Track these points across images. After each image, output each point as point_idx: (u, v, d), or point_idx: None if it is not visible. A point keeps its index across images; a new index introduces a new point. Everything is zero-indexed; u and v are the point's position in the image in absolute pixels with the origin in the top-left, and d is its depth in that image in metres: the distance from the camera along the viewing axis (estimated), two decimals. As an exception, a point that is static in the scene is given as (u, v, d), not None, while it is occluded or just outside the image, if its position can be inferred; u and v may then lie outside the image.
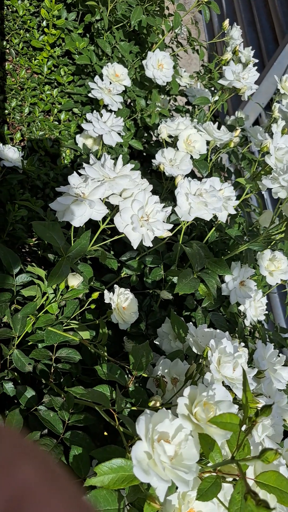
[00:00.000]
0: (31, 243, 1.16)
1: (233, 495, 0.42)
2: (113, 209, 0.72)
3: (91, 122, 0.89)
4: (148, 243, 0.69)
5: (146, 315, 0.96)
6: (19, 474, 0.19)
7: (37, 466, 0.20)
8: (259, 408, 0.40)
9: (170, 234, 0.73)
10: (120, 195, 0.70)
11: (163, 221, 0.72)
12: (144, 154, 1.38)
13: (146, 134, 1.32)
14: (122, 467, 0.46)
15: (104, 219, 0.75)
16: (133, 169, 0.72)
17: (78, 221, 0.64)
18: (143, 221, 0.68)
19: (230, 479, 0.48)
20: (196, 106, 1.35)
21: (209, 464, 0.46)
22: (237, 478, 0.43)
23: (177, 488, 0.51)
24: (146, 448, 0.45)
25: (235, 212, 0.86)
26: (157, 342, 0.86)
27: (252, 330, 1.13)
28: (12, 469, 0.19)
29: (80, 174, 0.70)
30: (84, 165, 0.67)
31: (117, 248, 1.10)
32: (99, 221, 0.75)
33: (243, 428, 0.44)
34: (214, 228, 0.92)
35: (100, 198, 0.66)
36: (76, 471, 0.65)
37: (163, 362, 0.77)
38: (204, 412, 0.48)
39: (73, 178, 0.66)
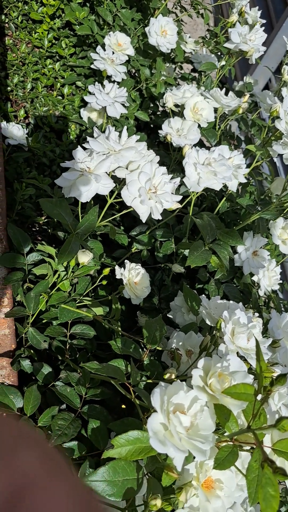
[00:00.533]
0: (40, 222, 1.16)
1: (250, 463, 0.42)
2: (120, 183, 0.71)
3: (94, 94, 0.87)
4: (157, 215, 0.67)
5: (159, 290, 0.95)
6: (20, 462, 0.19)
7: (38, 455, 0.20)
8: (274, 378, 0.39)
9: (180, 206, 0.72)
10: (127, 168, 0.69)
11: (172, 193, 0.71)
12: (151, 125, 1.35)
13: (152, 105, 1.29)
14: (139, 438, 0.47)
15: (112, 193, 0.74)
16: (139, 141, 0.70)
17: (84, 197, 0.63)
18: (151, 193, 0.67)
19: (248, 447, 0.48)
20: (202, 73, 1.30)
21: (225, 434, 0.46)
22: (254, 447, 0.43)
23: (194, 457, 0.52)
24: (162, 419, 0.45)
25: (245, 181, 0.84)
26: (170, 316, 0.85)
27: (267, 300, 1.12)
28: (13, 458, 0.19)
29: (85, 149, 0.69)
30: (88, 138, 0.66)
31: (127, 223, 1.09)
32: (107, 195, 0.73)
33: (259, 398, 0.44)
34: (224, 198, 0.90)
35: (106, 172, 0.65)
36: (95, 444, 0.66)
37: (177, 335, 0.77)
38: (219, 383, 0.48)
39: (78, 153, 0.64)
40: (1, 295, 0.86)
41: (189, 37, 1.36)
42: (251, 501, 0.40)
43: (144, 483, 0.55)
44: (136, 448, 0.46)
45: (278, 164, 1.71)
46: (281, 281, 0.97)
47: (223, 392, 0.42)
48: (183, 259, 0.91)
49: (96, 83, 0.88)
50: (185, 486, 0.49)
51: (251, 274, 0.94)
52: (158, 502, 0.46)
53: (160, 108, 1.36)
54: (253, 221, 0.90)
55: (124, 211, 0.75)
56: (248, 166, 0.91)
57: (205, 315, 0.66)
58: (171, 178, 0.71)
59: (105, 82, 0.90)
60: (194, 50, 1.34)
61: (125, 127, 0.68)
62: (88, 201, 0.64)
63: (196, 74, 1.34)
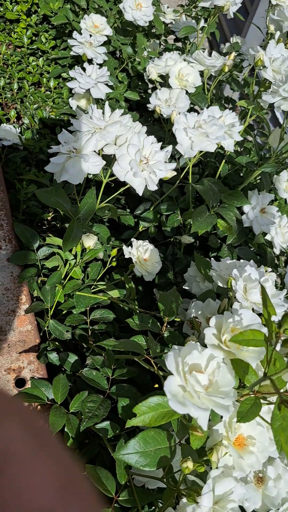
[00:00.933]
0: (48, 218, 1.16)
1: (274, 411, 0.41)
2: (112, 160, 0.70)
3: (76, 78, 0.86)
4: (152, 186, 0.66)
5: (172, 264, 0.94)
6: (3, 431, 0.18)
7: (22, 423, 0.19)
8: (280, 319, 0.38)
9: (174, 173, 0.70)
10: (115, 144, 0.68)
11: (165, 162, 0.69)
12: (143, 104, 1.33)
13: (140, 83, 1.27)
14: (160, 403, 0.46)
15: (108, 175, 0.74)
16: (124, 116, 0.69)
17: (76, 178, 0.62)
18: (143, 164, 0.66)
19: (273, 398, 0.47)
20: (187, 42, 1.27)
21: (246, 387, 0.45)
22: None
23: (221, 417, 0.51)
24: (179, 381, 0.44)
25: (241, 138, 0.82)
26: (186, 287, 0.85)
27: (287, 259, 1.10)
28: None
29: (71, 132, 0.68)
30: (72, 120, 0.65)
31: (132, 204, 1.08)
32: (101, 175, 0.73)
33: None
34: (224, 161, 0.88)
35: (94, 151, 0.64)
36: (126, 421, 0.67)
37: (194, 304, 0.76)
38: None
39: (63, 136, 0.64)
40: (18, 293, 0.88)
41: (168, 7, 1.32)
42: (279, 449, 0.39)
43: (178, 451, 0.55)
44: (159, 414, 0.46)
45: (278, 115, 1.65)
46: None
47: (231, 340, 0.41)
48: (190, 229, 0.90)
49: (76, 67, 0.87)
50: (215, 446, 0.48)
51: (264, 234, 0.92)
52: (189, 464, 0.45)
53: (150, 85, 1.34)
54: (257, 179, 0.87)
55: (122, 189, 0.74)
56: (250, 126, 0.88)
57: (216, 277, 0.65)
58: (162, 148, 0.69)
59: (85, 64, 0.89)
60: (174, 20, 1.31)
61: (107, 103, 0.67)
62: (82, 182, 0.63)
63: (180, 44, 1.31)
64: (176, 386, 0.44)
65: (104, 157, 0.69)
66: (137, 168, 0.65)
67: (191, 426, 0.45)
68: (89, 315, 0.84)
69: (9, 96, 1.23)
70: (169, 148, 0.71)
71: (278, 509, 0.54)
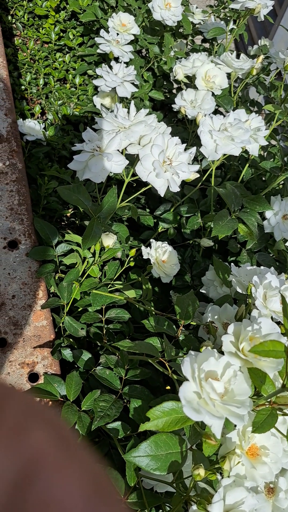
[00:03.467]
0: (68, 214, 1.17)
1: (290, 424, 0.40)
2: (135, 160, 0.70)
3: (102, 76, 0.86)
4: (175, 188, 0.66)
5: (190, 267, 0.94)
6: (31, 440, 0.18)
7: (50, 432, 0.19)
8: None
9: (197, 175, 0.70)
10: (139, 144, 0.67)
11: (188, 163, 0.69)
12: (168, 105, 1.32)
13: (166, 83, 1.26)
14: (174, 409, 0.46)
15: (130, 174, 0.73)
16: (149, 116, 0.68)
17: (98, 177, 0.62)
18: (166, 165, 0.65)
19: (289, 411, 0.46)
20: (214, 43, 1.26)
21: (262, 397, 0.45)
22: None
23: (235, 426, 0.50)
24: (194, 388, 0.44)
25: (266, 143, 0.81)
26: (203, 291, 0.84)
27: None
28: (24, 435, 0.18)
29: (95, 130, 0.68)
30: (96, 118, 0.65)
31: (152, 205, 1.08)
32: (123, 175, 0.73)
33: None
34: (247, 165, 0.87)
35: (118, 150, 0.64)
36: (138, 422, 0.66)
37: (211, 309, 0.75)
38: (251, 346, 0.46)
39: (87, 134, 0.64)
40: (35, 288, 0.88)
41: (196, 7, 1.31)
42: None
43: (189, 456, 0.54)
44: (172, 419, 0.46)
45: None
46: None
47: (250, 351, 0.40)
48: (210, 233, 0.89)
49: (103, 65, 0.87)
50: (228, 454, 0.48)
51: (285, 240, 0.91)
52: (201, 472, 0.45)
53: (175, 85, 1.33)
54: (280, 185, 0.86)
55: (143, 189, 0.74)
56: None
57: (235, 283, 0.64)
58: (185, 150, 0.69)
59: (112, 63, 0.88)
60: (202, 20, 1.30)
61: (132, 102, 0.67)
62: (104, 181, 0.63)
63: (208, 45, 1.30)
64: (191, 393, 0.44)
65: (127, 156, 0.69)
66: (160, 169, 0.64)
67: (204, 433, 0.44)
68: (104, 314, 0.84)
69: (35, 91, 1.24)
70: (193, 149, 0.70)
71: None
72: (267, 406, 0.44)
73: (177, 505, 0.49)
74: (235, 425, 0.50)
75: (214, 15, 1.30)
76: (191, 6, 1.31)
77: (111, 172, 0.65)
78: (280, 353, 0.38)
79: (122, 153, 0.66)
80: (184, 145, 0.67)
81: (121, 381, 0.72)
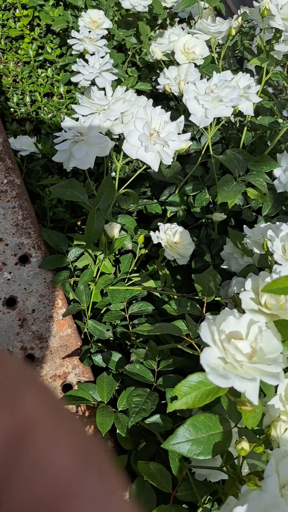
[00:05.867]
0: (78, 223, 1.15)
1: None
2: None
3: (79, 72, 0.84)
4: (167, 159, 0.62)
5: (208, 246, 0.89)
6: (23, 406, 0.18)
7: (42, 398, 0.19)
8: None
9: (190, 143, 0.66)
10: (123, 123, 0.64)
11: (178, 133, 0.65)
12: (156, 94, 1.29)
13: (150, 73, 1.24)
14: (202, 381, 0.41)
15: (121, 157, 0.70)
16: (126, 92, 0.65)
17: (85, 163, 0.59)
18: (154, 138, 0.62)
19: None
20: (191, 21, 1.23)
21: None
22: None
23: (276, 390, 0.45)
24: (218, 352, 0.39)
25: (259, 99, 0.76)
26: (225, 267, 0.79)
27: None
28: (15, 400, 0.18)
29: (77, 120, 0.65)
30: (73, 106, 0.62)
31: (159, 194, 1.04)
32: (114, 160, 0.70)
33: None
34: (246, 128, 0.83)
35: (100, 132, 0.61)
36: (179, 413, 0.62)
37: (236, 282, 0.70)
38: (274, 297, 0.41)
39: (67, 122, 0.61)
40: (53, 298, 0.86)
41: (167, -8, 1.29)
42: None
43: (235, 436, 0.49)
44: (202, 392, 0.41)
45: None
46: None
47: (263, 290, 0.35)
48: (221, 206, 0.84)
49: (78, 59, 0.85)
50: (273, 422, 0.43)
51: (302, 198, 0.85)
52: (244, 445, 0.40)
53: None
54: (282, 145, 0.80)
55: (139, 171, 0.70)
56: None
57: (251, 244, 0.59)
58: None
59: (87, 56, 0.86)
60: (176, 3, 1.27)
61: (108, 82, 0.64)
62: (91, 167, 0.60)
63: (185, 25, 1.27)
64: (215, 359, 0.39)
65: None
66: (148, 142, 0.61)
67: (238, 400, 0.40)
68: (127, 310, 0.80)
69: (24, 110, 1.24)
70: (181, 118, 0.67)
71: None
72: (303, 357, 0.38)
73: (231, 489, 0.44)
74: (276, 390, 0.45)
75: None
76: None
77: (98, 156, 0.61)
78: (299, 289, 0.33)
79: (107, 135, 0.63)
80: (169, 113, 0.63)
81: (154, 374, 0.68)
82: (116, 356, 0.77)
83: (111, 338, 0.81)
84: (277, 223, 0.60)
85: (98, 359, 0.80)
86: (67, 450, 0.17)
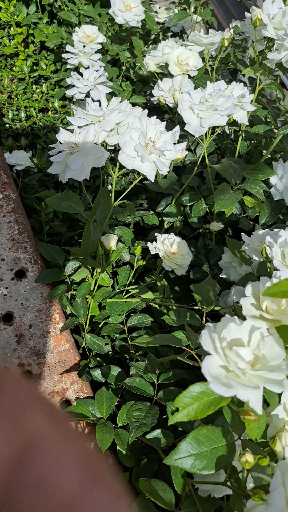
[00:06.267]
0: (75, 237, 1.14)
1: None
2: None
3: (74, 85, 0.84)
4: (164, 169, 0.62)
5: (206, 257, 0.88)
6: (29, 422, 0.18)
7: (48, 415, 0.19)
8: None
9: (186, 153, 0.66)
10: (119, 134, 0.64)
11: (174, 143, 0.65)
12: (152, 109, 1.30)
13: (144, 87, 1.25)
14: (203, 391, 0.40)
15: (117, 168, 0.70)
16: (122, 103, 0.65)
17: (80, 174, 0.59)
18: (150, 148, 0.61)
19: None
20: (184, 35, 1.24)
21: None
22: None
23: (280, 399, 0.44)
24: (219, 361, 0.38)
25: (254, 108, 0.76)
26: (224, 276, 0.78)
27: None
28: (21, 417, 0.18)
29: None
30: (68, 118, 0.62)
31: (155, 205, 1.04)
32: (110, 171, 0.69)
33: None
34: (241, 137, 0.83)
35: (95, 143, 0.61)
36: (180, 426, 0.60)
37: (235, 291, 0.70)
38: (275, 302, 0.40)
39: (61, 135, 0.61)
40: (50, 312, 0.84)
41: (159, 8, 1.31)
42: None
43: (239, 449, 0.48)
44: (204, 403, 0.40)
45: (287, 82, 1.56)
46: None
47: (264, 294, 0.34)
48: (218, 215, 0.84)
49: (73, 72, 0.85)
50: (278, 433, 0.41)
51: (299, 207, 0.84)
52: (248, 457, 0.38)
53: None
54: (279, 150, 0.80)
55: (135, 182, 0.70)
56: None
57: (250, 251, 0.58)
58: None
59: (81, 69, 0.87)
60: (167, 18, 1.29)
61: (103, 94, 0.64)
62: (87, 177, 0.59)
63: (177, 39, 1.28)
64: (217, 367, 0.38)
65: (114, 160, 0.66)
66: (144, 152, 0.60)
67: (242, 410, 0.38)
68: (125, 323, 0.79)
69: (19, 126, 1.24)
70: (177, 128, 0.66)
71: None
72: (307, 364, 0.37)
73: (236, 504, 0.43)
74: (280, 399, 0.43)
75: (179, 9, 1.28)
76: (153, 6, 1.31)
77: (94, 167, 0.61)
78: (302, 292, 0.33)
79: (105, 148, 0.63)
80: (164, 123, 0.63)
81: (154, 387, 0.66)
82: (115, 370, 0.76)
83: (109, 352, 0.80)
84: (275, 229, 0.60)
85: (97, 374, 0.78)
86: (72, 466, 0.17)
